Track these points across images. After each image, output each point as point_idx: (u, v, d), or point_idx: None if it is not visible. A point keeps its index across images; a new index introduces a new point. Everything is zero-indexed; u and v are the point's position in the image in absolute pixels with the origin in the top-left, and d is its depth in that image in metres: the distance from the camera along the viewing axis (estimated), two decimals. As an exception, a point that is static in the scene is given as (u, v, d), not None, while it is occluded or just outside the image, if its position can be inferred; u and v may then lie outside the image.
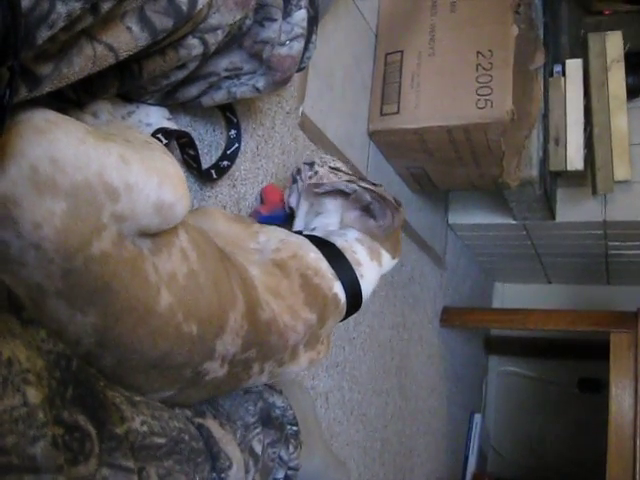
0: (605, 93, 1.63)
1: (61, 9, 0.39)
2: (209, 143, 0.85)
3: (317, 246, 0.73)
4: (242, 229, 0.73)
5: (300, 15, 0.71)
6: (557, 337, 2.51)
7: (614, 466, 1.52)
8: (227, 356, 0.57)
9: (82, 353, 0.45)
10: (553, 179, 1.74)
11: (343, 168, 0.85)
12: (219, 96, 0.73)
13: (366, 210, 0.78)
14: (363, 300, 0.76)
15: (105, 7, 0.44)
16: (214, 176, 0.83)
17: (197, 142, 0.78)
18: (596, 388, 2.43)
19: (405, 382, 1.65)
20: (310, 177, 0.83)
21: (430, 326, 1.87)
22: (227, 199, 0.88)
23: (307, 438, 0.79)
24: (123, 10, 0.48)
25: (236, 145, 0.88)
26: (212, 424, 0.58)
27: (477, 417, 2.32)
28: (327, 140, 1.19)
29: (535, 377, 2.66)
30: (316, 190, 0.81)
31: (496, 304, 2.73)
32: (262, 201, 0.95)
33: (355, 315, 0.79)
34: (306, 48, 0.74)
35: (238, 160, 0.89)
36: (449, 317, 1.96)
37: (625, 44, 1.66)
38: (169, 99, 0.70)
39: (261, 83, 0.73)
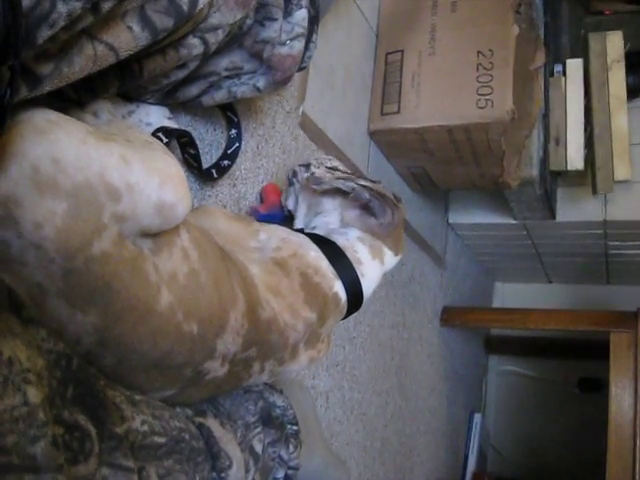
0: (605, 93, 1.63)
1: (62, 8, 0.39)
2: (209, 142, 0.85)
3: (318, 245, 0.73)
4: (242, 227, 0.73)
5: (301, 14, 0.71)
6: (557, 337, 2.51)
7: (614, 465, 1.52)
8: (228, 355, 0.57)
9: (82, 352, 0.45)
10: (553, 179, 1.74)
11: (340, 167, 0.85)
12: (219, 95, 0.73)
13: (366, 208, 0.78)
14: (364, 299, 0.76)
15: (106, 7, 0.44)
16: (215, 175, 0.83)
17: (197, 141, 0.78)
18: (596, 388, 2.44)
19: (405, 381, 1.66)
20: (307, 179, 0.82)
21: (430, 325, 1.87)
22: (227, 198, 0.88)
23: (307, 437, 0.79)
24: (124, 10, 0.48)
25: (236, 144, 0.88)
26: (213, 423, 0.58)
27: (477, 416, 2.32)
28: (327, 140, 1.19)
29: (535, 377, 2.66)
30: (315, 187, 0.80)
31: (496, 304, 2.74)
32: (262, 200, 0.95)
33: (355, 314, 0.79)
34: (307, 48, 0.74)
35: (238, 159, 0.89)
36: (449, 317, 1.96)
37: (625, 44, 1.66)
38: (169, 98, 0.70)
39: (262, 83, 0.73)
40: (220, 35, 0.61)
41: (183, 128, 0.75)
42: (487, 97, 1.23)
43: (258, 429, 0.65)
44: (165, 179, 0.47)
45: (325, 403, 1.21)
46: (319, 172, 0.82)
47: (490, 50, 1.26)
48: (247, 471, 0.61)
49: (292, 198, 0.86)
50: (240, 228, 0.73)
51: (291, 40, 0.71)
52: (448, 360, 2.07)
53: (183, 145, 0.75)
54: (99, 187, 0.42)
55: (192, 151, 0.76)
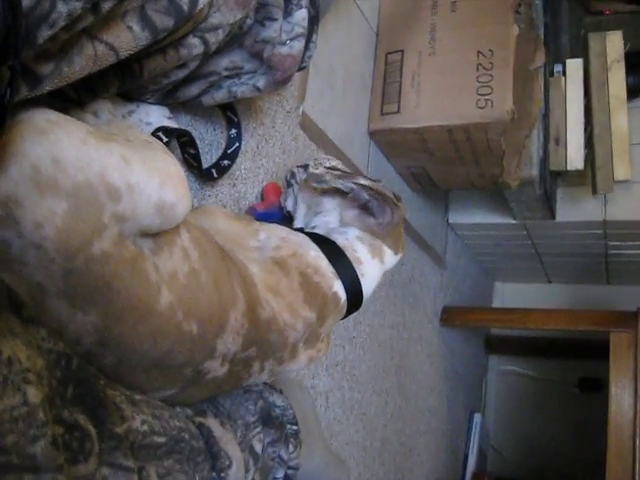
0: (605, 93, 1.63)
1: (62, 8, 0.39)
2: (209, 142, 0.85)
3: (318, 244, 0.73)
4: (242, 227, 0.73)
5: (301, 14, 0.71)
6: (557, 337, 2.51)
7: (614, 465, 1.52)
8: (228, 355, 0.57)
9: (82, 352, 0.45)
10: (553, 179, 1.74)
11: (340, 166, 0.84)
12: (220, 95, 0.73)
13: (365, 208, 0.78)
14: (364, 298, 0.76)
15: (106, 6, 0.44)
16: (214, 175, 0.83)
17: (197, 141, 0.78)
18: (596, 388, 2.44)
19: (405, 381, 1.66)
20: (306, 179, 0.82)
21: (430, 325, 1.87)
22: (227, 198, 0.88)
23: (307, 437, 0.79)
24: (124, 9, 0.48)
25: (236, 144, 0.88)
26: (213, 423, 0.58)
27: (477, 416, 2.32)
28: (327, 139, 1.19)
29: (535, 376, 2.66)
30: (315, 185, 0.80)
31: (496, 303, 2.74)
32: (262, 198, 0.95)
33: (355, 314, 0.79)
34: (307, 47, 0.74)
35: (238, 159, 0.89)
36: (449, 316, 1.97)
37: (625, 44, 1.66)
38: (170, 98, 0.70)
39: (262, 82, 0.73)
40: (220, 35, 0.61)
41: (183, 128, 0.75)
42: (487, 97, 1.23)
43: (258, 429, 0.65)
44: (165, 179, 0.47)
45: (325, 403, 1.21)
46: (318, 172, 0.82)
47: (490, 50, 1.26)
48: (247, 471, 0.61)
49: (291, 199, 0.86)
50: (240, 228, 0.73)
51: (291, 40, 0.71)
52: (448, 360, 2.07)
53: (183, 145, 0.75)
54: (99, 187, 0.42)
55: (192, 151, 0.76)
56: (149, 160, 0.47)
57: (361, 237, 0.76)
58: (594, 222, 1.85)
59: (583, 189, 1.81)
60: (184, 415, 0.55)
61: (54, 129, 0.42)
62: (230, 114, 0.87)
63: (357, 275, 0.74)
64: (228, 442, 0.58)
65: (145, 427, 0.46)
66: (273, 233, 0.73)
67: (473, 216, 2.00)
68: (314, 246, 0.72)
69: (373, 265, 0.76)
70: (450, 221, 2.02)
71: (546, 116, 1.62)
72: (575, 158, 1.62)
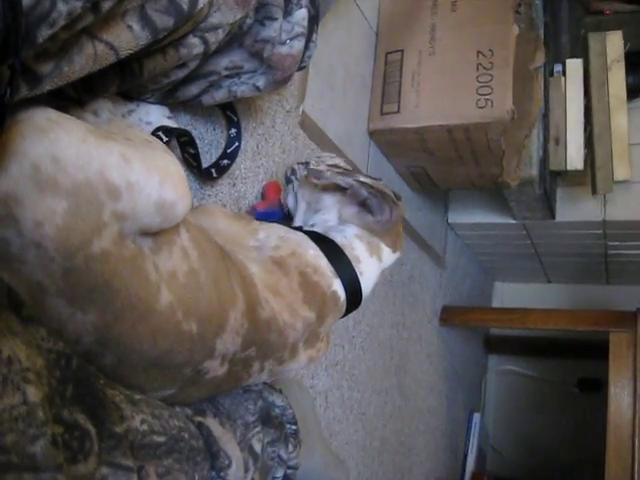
0: (605, 93, 1.63)
1: (62, 8, 0.39)
2: (209, 142, 0.85)
3: (317, 243, 0.73)
4: (242, 226, 0.73)
5: (301, 14, 0.71)
6: (557, 336, 2.51)
7: (613, 465, 1.52)
8: (227, 355, 0.57)
9: (82, 351, 0.45)
10: (553, 179, 1.74)
11: (342, 164, 0.84)
12: (219, 95, 0.73)
13: (364, 205, 0.78)
14: (363, 297, 0.76)
15: (106, 6, 0.44)
16: (214, 175, 0.83)
17: (197, 141, 0.78)
18: (595, 387, 2.44)
19: (404, 381, 1.66)
20: (307, 175, 0.82)
21: (430, 325, 1.87)
22: (227, 198, 0.88)
23: (306, 437, 0.79)
24: (124, 9, 0.48)
25: (236, 144, 0.88)
26: (212, 423, 0.58)
27: (476, 416, 2.32)
28: (327, 139, 1.19)
29: (534, 376, 2.66)
30: (315, 181, 0.80)
31: (496, 303, 2.74)
32: (263, 197, 0.95)
33: (354, 314, 0.79)
34: (307, 47, 0.74)
35: (238, 159, 0.89)
36: (449, 316, 1.97)
37: (625, 44, 1.66)
38: (169, 98, 0.70)
39: (261, 82, 0.73)
40: (220, 34, 0.61)
41: (183, 127, 0.75)
42: (487, 97, 1.23)
43: (257, 428, 0.65)
44: (165, 177, 0.47)
45: (324, 402, 1.21)
46: (319, 168, 0.82)
47: (490, 50, 1.26)
48: (246, 470, 0.61)
49: (291, 196, 0.86)
50: (239, 227, 0.73)
51: (291, 39, 0.71)
52: (447, 360, 2.07)
53: (183, 144, 0.75)
54: (99, 186, 0.42)
55: (192, 150, 0.76)
56: (149, 159, 0.46)
57: (359, 235, 0.76)
58: (594, 222, 1.85)
59: (583, 189, 1.81)
60: (184, 415, 0.55)
61: (54, 128, 0.42)
62: (230, 113, 0.87)
63: (356, 274, 0.74)
64: (227, 442, 0.58)
65: (145, 426, 0.46)
66: (272, 232, 0.73)
67: (473, 216, 2.00)
68: (313, 245, 0.72)
69: (371, 263, 0.76)
70: (450, 221, 2.02)
71: (546, 116, 1.62)
72: (575, 158, 1.62)
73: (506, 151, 1.30)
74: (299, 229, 0.77)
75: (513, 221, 1.92)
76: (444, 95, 1.28)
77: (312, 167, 0.82)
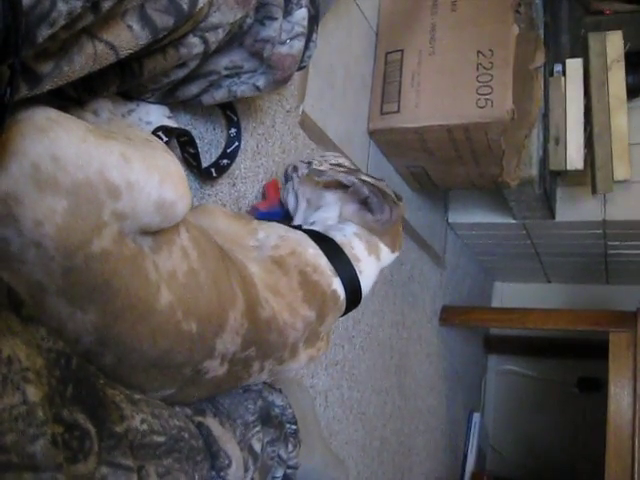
0: (605, 93, 1.63)
1: (62, 7, 0.39)
2: (209, 141, 0.85)
3: (316, 241, 0.73)
4: (241, 226, 0.73)
5: (301, 14, 0.71)
6: (556, 336, 2.51)
7: (613, 465, 1.52)
8: (227, 355, 0.57)
9: (82, 351, 0.45)
10: (553, 178, 1.74)
11: (346, 163, 0.84)
12: (219, 95, 0.73)
13: (364, 204, 0.78)
14: (363, 296, 0.76)
15: (106, 5, 0.44)
16: (214, 174, 0.83)
17: (197, 140, 0.78)
18: (595, 387, 2.44)
19: (404, 381, 1.66)
20: (308, 173, 0.82)
21: (429, 325, 1.87)
22: (227, 197, 0.88)
23: (306, 437, 0.79)
24: (124, 8, 0.48)
25: (236, 143, 0.88)
26: (212, 422, 0.58)
27: (476, 416, 2.32)
28: (327, 139, 1.19)
29: (534, 376, 2.66)
30: (317, 179, 0.80)
31: (495, 303, 2.74)
32: (264, 197, 0.95)
33: (354, 313, 0.79)
34: (307, 47, 0.74)
35: (238, 158, 0.89)
36: (448, 316, 1.97)
37: (625, 44, 1.66)
38: (169, 97, 0.70)
39: (261, 82, 0.73)
40: (220, 34, 0.61)
41: (183, 127, 0.75)
42: (487, 97, 1.23)
43: (257, 428, 0.65)
44: (165, 177, 0.47)
45: (324, 402, 1.21)
46: (322, 168, 0.82)
47: (490, 50, 1.26)
48: (246, 470, 0.61)
49: (291, 194, 0.86)
50: (239, 227, 0.73)
51: (291, 39, 0.71)
52: (447, 359, 2.07)
53: (183, 144, 0.75)
54: (99, 185, 0.42)
55: (192, 150, 0.76)
56: (149, 158, 0.46)
57: (358, 233, 0.76)
58: (593, 222, 1.85)
59: (583, 189, 1.81)
60: (183, 414, 0.55)
61: (54, 127, 0.42)
62: (230, 113, 0.87)
63: (356, 272, 0.74)
64: (227, 441, 0.58)
65: (144, 426, 0.46)
66: (272, 232, 0.72)
67: (473, 216, 2.00)
68: (313, 244, 0.72)
69: (370, 262, 0.76)
70: (450, 220, 2.02)
71: (546, 116, 1.62)
72: (575, 158, 1.62)
73: (506, 151, 1.30)
74: (298, 228, 0.77)
75: (513, 221, 1.92)
76: (444, 95, 1.28)
77: (314, 167, 0.82)
